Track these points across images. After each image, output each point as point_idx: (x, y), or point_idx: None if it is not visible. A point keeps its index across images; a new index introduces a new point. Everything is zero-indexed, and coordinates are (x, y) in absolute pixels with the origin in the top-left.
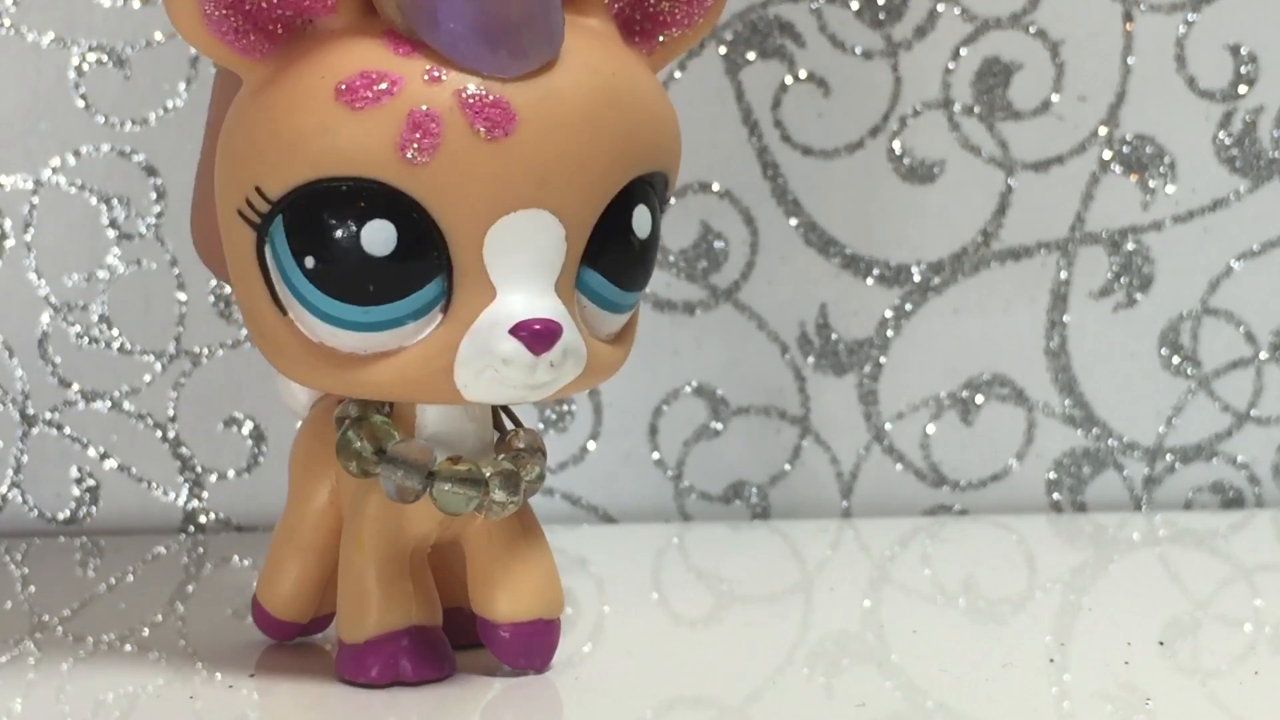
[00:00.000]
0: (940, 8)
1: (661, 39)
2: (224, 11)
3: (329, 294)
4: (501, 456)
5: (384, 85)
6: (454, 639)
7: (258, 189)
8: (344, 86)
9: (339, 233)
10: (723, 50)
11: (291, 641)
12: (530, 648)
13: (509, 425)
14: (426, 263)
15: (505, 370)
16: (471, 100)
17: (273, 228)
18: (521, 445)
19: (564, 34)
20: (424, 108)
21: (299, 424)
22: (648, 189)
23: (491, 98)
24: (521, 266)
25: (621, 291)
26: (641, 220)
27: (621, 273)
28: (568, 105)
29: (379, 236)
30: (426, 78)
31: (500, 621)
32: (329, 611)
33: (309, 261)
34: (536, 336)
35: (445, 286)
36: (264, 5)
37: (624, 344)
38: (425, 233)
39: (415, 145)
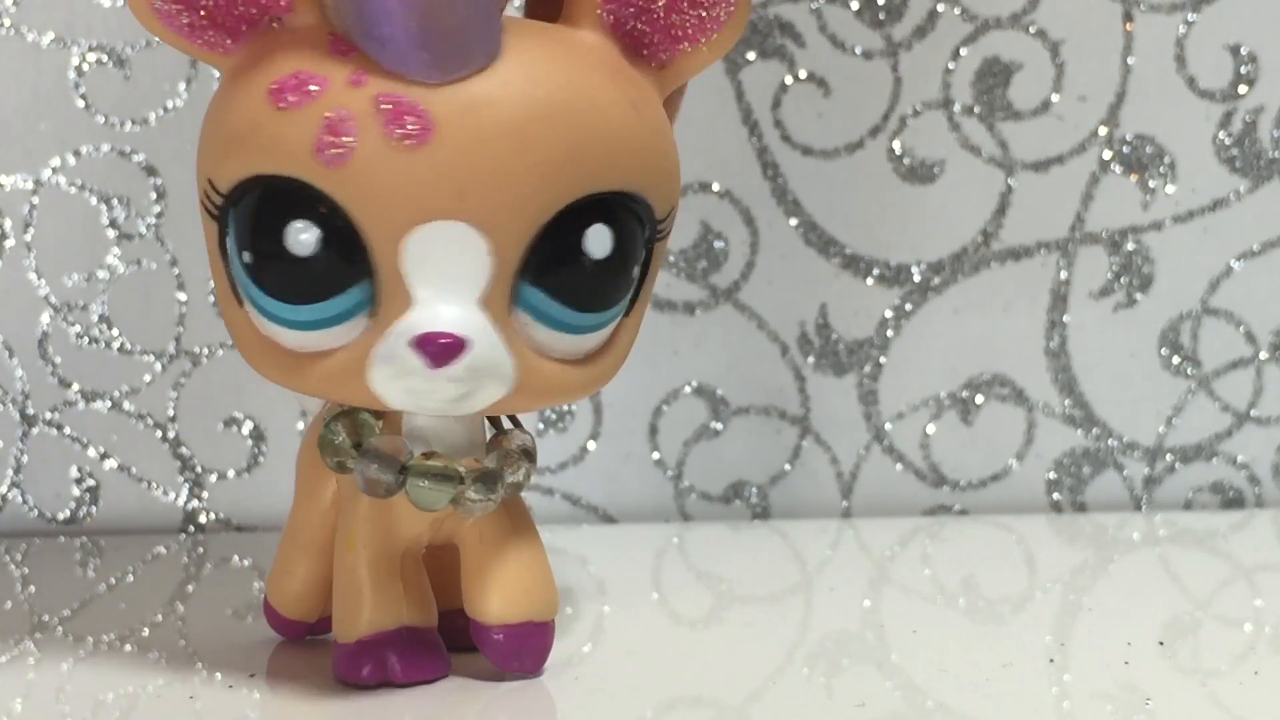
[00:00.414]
0: (940, 8)
1: (672, 54)
2: (175, 8)
3: (263, 290)
4: (491, 454)
5: (311, 87)
6: (452, 641)
7: (210, 182)
8: (275, 86)
9: (267, 230)
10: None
11: (300, 640)
12: (522, 650)
13: (507, 424)
14: (350, 266)
15: (408, 380)
16: (388, 106)
17: (228, 218)
18: (512, 446)
19: (499, 43)
20: (341, 111)
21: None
22: (619, 209)
23: (409, 104)
24: (439, 277)
25: (575, 312)
26: (598, 240)
27: (570, 292)
28: (493, 116)
29: (302, 236)
30: (350, 81)
31: (492, 623)
32: None
33: (246, 256)
34: (438, 351)
35: (370, 292)
36: (220, 3)
37: (596, 365)
38: (347, 237)
39: (330, 148)
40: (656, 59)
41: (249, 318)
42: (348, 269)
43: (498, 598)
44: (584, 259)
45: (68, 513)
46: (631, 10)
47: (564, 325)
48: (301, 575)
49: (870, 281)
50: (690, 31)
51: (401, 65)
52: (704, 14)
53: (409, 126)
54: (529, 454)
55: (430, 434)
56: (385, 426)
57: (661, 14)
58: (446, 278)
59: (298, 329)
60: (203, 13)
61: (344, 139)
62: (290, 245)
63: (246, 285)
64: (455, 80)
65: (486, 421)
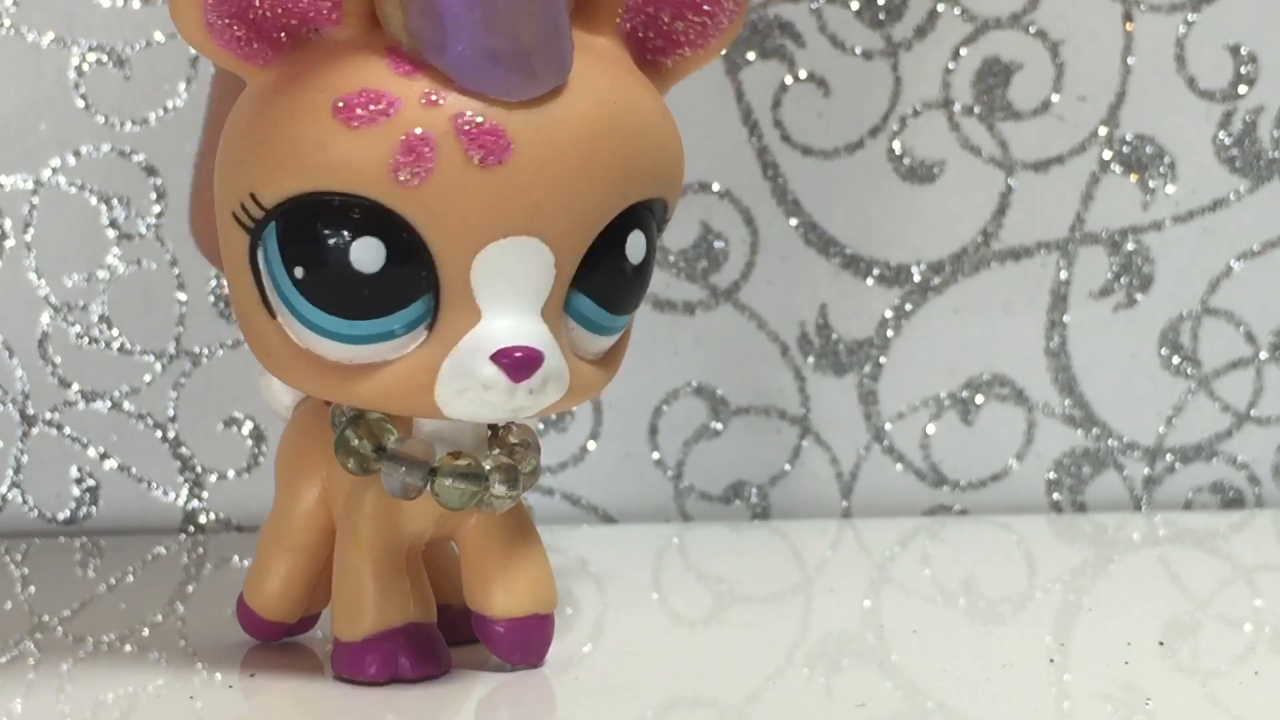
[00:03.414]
0: (940, 8)
1: (673, 60)
2: (227, 20)
3: (316, 305)
4: (498, 451)
5: (381, 105)
6: (445, 635)
7: (252, 195)
8: (342, 103)
9: (329, 246)
10: (723, 50)
11: (278, 642)
12: (526, 643)
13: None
14: (414, 281)
15: (485, 394)
16: (467, 126)
17: (266, 233)
18: (515, 440)
19: (573, 59)
20: (419, 131)
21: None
22: (646, 215)
23: (488, 124)
24: (508, 292)
25: (610, 315)
26: (636, 246)
27: (611, 297)
28: (566, 135)
29: (368, 253)
30: (424, 100)
31: (497, 617)
32: (316, 611)
33: (298, 272)
34: (517, 364)
35: (432, 305)
36: (268, 15)
37: (610, 363)
38: (414, 252)
39: (408, 168)
40: (658, 64)
41: (280, 329)
42: (412, 283)
43: (502, 591)
44: (626, 264)
45: (68, 513)
46: (642, 19)
47: (602, 328)
48: (283, 575)
49: (870, 281)
50: (692, 37)
51: (480, 84)
52: (706, 21)
53: (488, 146)
54: (533, 445)
55: (446, 434)
56: (396, 427)
57: (666, 22)
58: (514, 291)
59: (350, 343)
60: (252, 23)
61: (424, 160)
62: (355, 262)
63: (293, 300)
64: (529, 100)
65: None
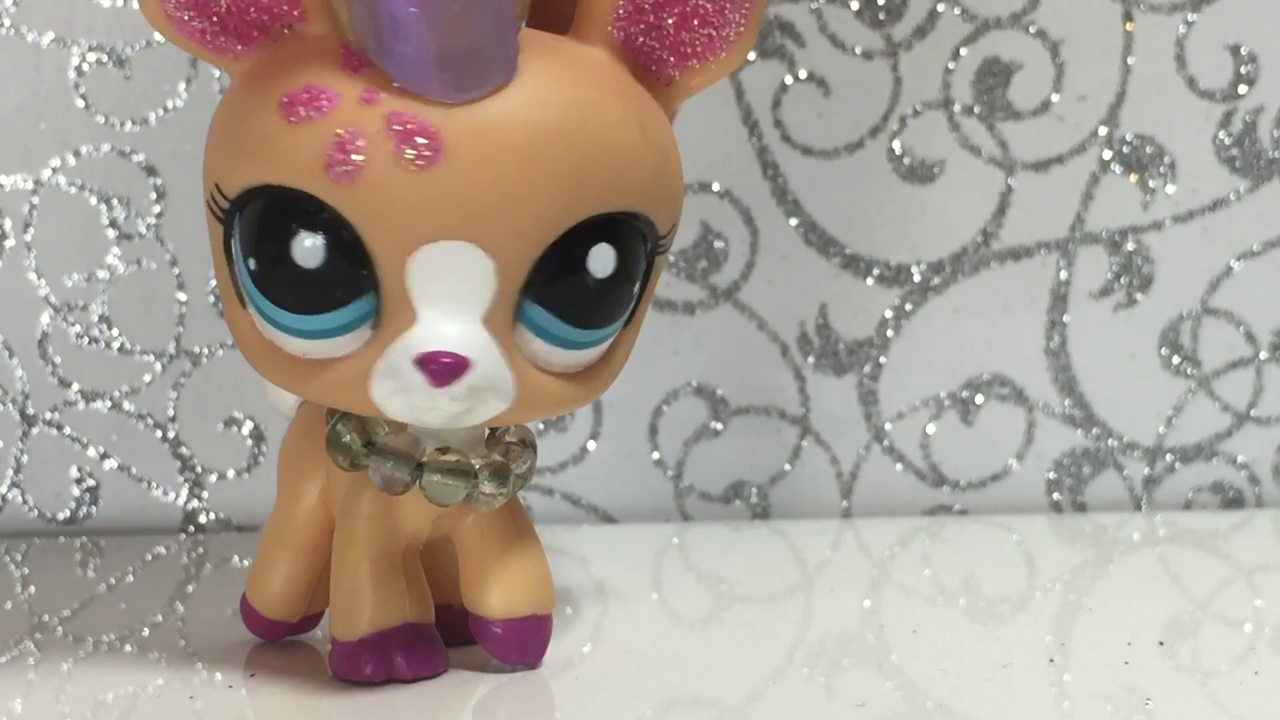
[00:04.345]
0: (940, 8)
1: (681, 71)
2: (188, 15)
3: (267, 297)
4: (493, 450)
5: (320, 102)
6: (443, 636)
7: (217, 185)
8: (286, 99)
9: (275, 240)
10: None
11: (281, 640)
12: (524, 643)
13: None
14: (355, 279)
15: (410, 396)
16: (399, 126)
17: (234, 222)
18: (512, 439)
19: (515, 63)
20: (351, 129)
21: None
22: (623, 228)
23: (420, 125)
24: (444, 295)
25: (574, 328)
26: (602, 259)
27: (573, 310)
28: (503, 138)
29: (308, 248)
30: (362, 99)
31: (494, 617)
32: (318, 610)
33: (251, 263)
34: (442, 370)
35: (375, 304)
36: (231, 10)
37: (592, 380)
38: (354, 251)
39: (339, 166)
40: (665, 75)
41: (252, 320)
42: (353, 282)
43: (499, 592)
44: (587, 277)
45: (68, 513)
46: (642, 27)
47: (564, 341)
48: (285, 574)
49: (870, 281)
50: (700, 49)
51: (417, 84)
52: (714, 33)
53: (420, 147)
54: (529, 444)
55: (442, 431)
56: (390, 423)
57: (671, 32)
58: (451, 296)
59: (301, 337)
60: (215, 18)
61: (354, 157)
62: (296, 256)
63: (251, 291)
64: (469, 101)
65: None
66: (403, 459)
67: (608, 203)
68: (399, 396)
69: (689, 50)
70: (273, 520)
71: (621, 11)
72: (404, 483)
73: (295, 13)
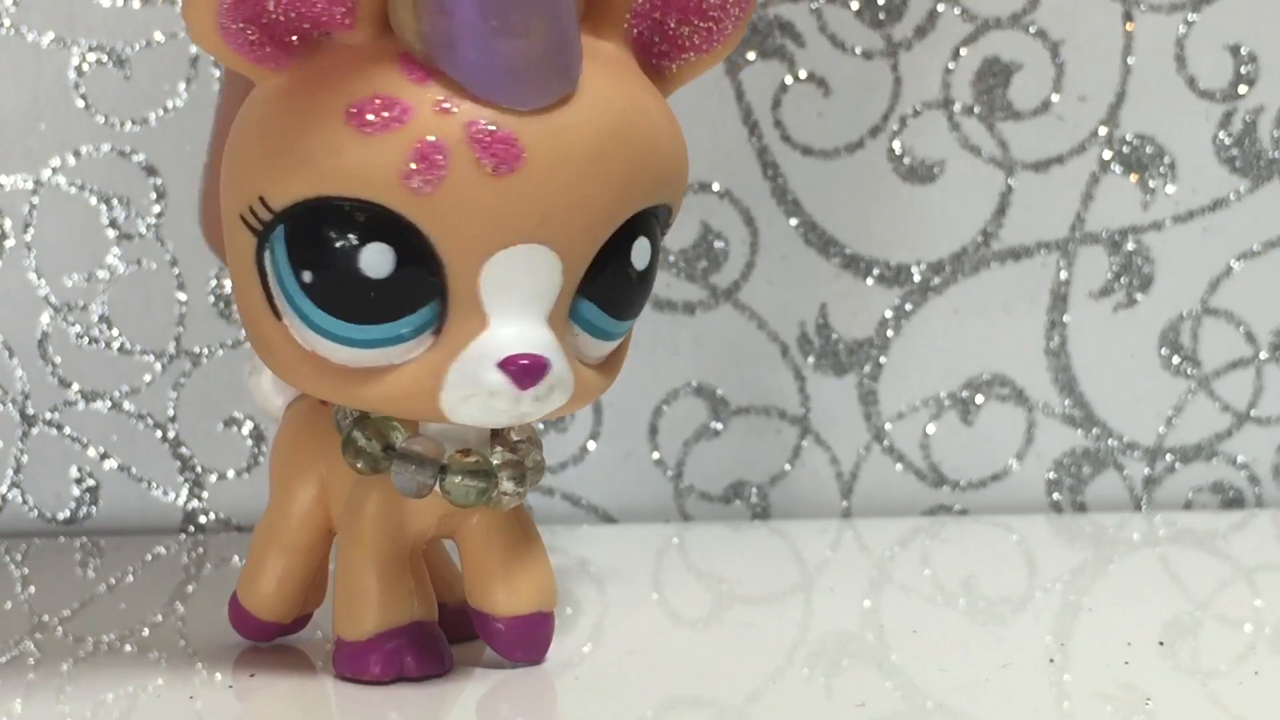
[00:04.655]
0: (940, 8)
1: (678, 64)
2: (241, 25)
3: (323, 309)
4: (501, 448)
5: (394, 112)
6: (446, 634)
7: (261, 198)
8: (354, 110)
9: (338, 251)
10: (726, 55)
11: (272, 641)
12: (528, 641)
13: None
14: (422, 287)
15: (491, 400)
16: (480, 134)
17: (273, 236)
18: (518, 436)
19: (581, 67)
20: (431, 139)
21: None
22: (651, 221)
23: (501, 133)
24: (516, 299)
25: (615, 320)
26: (641, 252)
27: (616, 303)
28: (577, 143)
29: (377, 258)
30: (437, 108)
31: (499, 615)
32: (310, 611)
33: (306, 276)
34: (524, 371)
35: (439, 310)
36: (281, 19)
37: (611, 368)
38: (422, 258)
39: (421, 176)
40: (663, 68)
41: (285, 331)
42: (420, 290)
43: (503, 589)
44: (631, 270)
45: (68, 513)
46: (649, 24)
47: (606, 333)
48: (279, 575)
49: (870, 281)
50: (697, 42)
51: (494, 93)
52: (711, 26)
53: (501, 155)
54: (535, 440)
55: (451, 431)
56: (405, 425)
57: (673, 26)
58: (522, 298)
59: (356, 347)
60: (265, 27)
61: (436, 167)
62: (364, 267)
63: (300, 303)
64: (543, 108)
65: None
66: (426, 463)
67: (652, 198)
68: (474, 400)
69: (688, 44)
70: (266, 520)
71: (637, 7)
72: (429, 486)
73: (347, 21)
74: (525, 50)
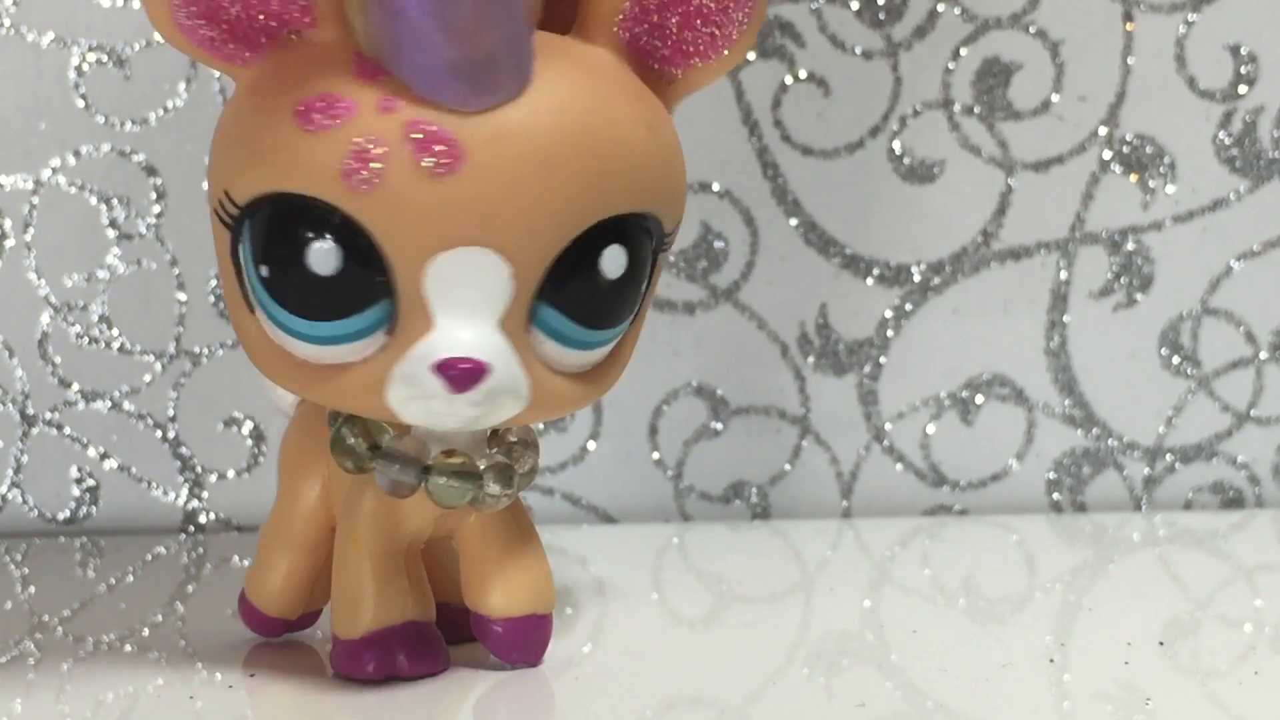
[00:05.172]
0: (940, 8)
1: (683, 70)
2: (196, 21)
3: (279, 303)
4: (495, 450)
5: (336, 110)
6: (443, 634)
7: (227, 192)
8: (301, 107)
9: (289, 247)
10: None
11: (279, 638)
12: (524, 642)
13: None
14: (370, 286)
15: (429, 402)
16: (419, 134)
17: (243, 229)
18: (514, 439)
19: (531, 69)
20: (370, 138)
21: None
22: (633, 229)
23: (440, 133)
24: (461, 301)
25: (586, 329)
26: (613, 261)
27: (585, 311)
28: (522, 145)
29: (324, 256)
30: (379, 107)
31: (495, 616)
32: (317, 608)
33: (264, 270)
34: (461, 375)
35: (390, 310)
36: (241, 16)
37: (599, 380)
38: (370, 257)
39: (359, 174)
40: (667, 74)
41: (260, 325)
42: (368, 288)
43: (500, 591)
44: (599, 279)
45: (68, 513)
46: (645, 27)
47: (576, 342)
48: (284, 572)
49: (870, 281)
50: (702, 48)
51: (436, 93)
52: (716, 31)
53: (439, 155)
54: (531, 444)
55: (441, 432)
56: (395, 426)
57: (675, 31)
58: (468, 301)
59: (314, 343)
60: (225, 26)
61: (372, 165)
62: (311, 263)
63: (261, 297)
64: (487, 108)
65: None
66: (409, 463)
67: (620, 205)
68: (416, 402)
69: (691, 49)
70: (272, 518)
71: (627, 11)
72: (410, 486)
73: (306, 19)
74: (469, 51)
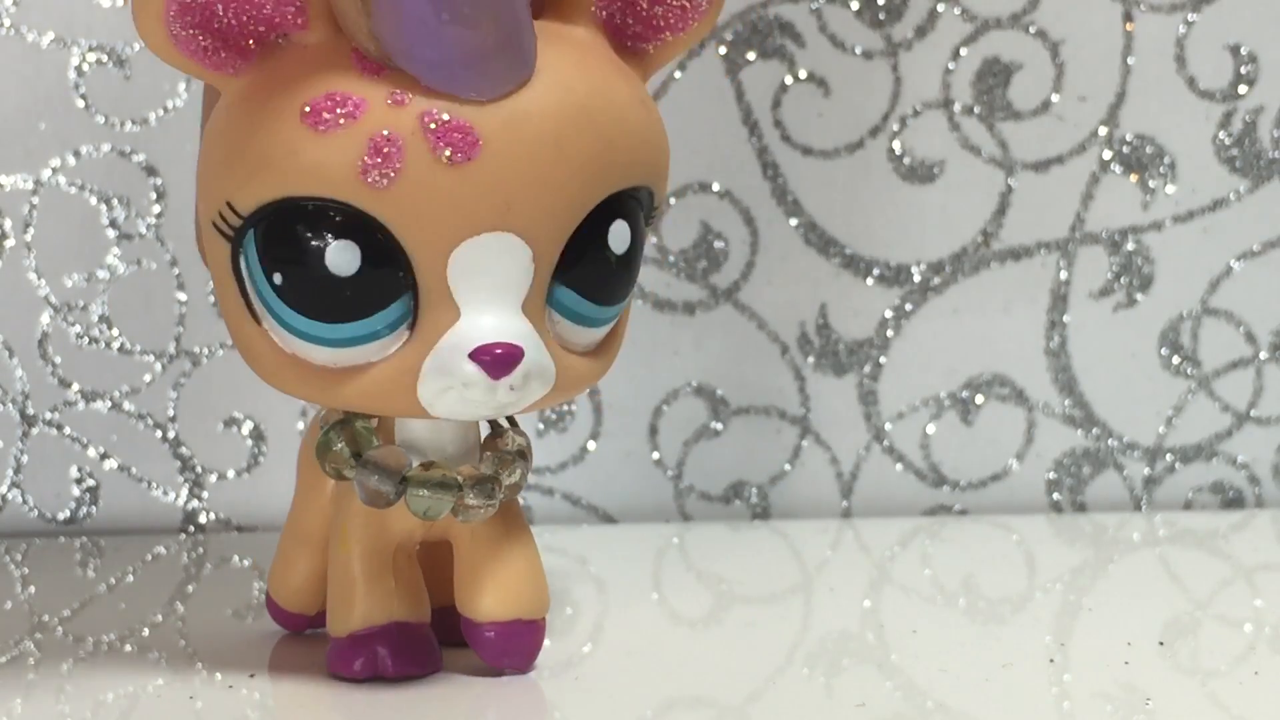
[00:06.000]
0: (940, 8)
1: (654, 45)
2: (191, 31)
3: (296, 310)
4: (483, 459)
5: (347, 108)
6: (447, 637)
7: (229, 204)
8: (309, 108)
9: (305, 251)
10: (723, 50)
11: (301, 633)
12: (511, 647)
13: (503, 423)
14: (391, 282)
15: (466, 392)
16: (434, 125)
17: (246, 240)
18: (509, 449)
19: (536, 54)
20: (385, 132)
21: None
22: (630, 203)
23: (455, 122)
24: (486, 288)
25: (597, 306)
26: (619, 236)
27: (596, 288)
28: (535, 128)
29: (343, 256)
30: (390, 101)
31: (482, 620)
32: None
33: (277, 277)
34: (497, 361)
35: (411, 305)
36: (233, 23)
37: (604, 355)
38: (390, 253)
39: (376, 170)
40: (639, 50)
41: (267, 336)
42: (390, 285)
43: (489, 595)
44: (609, 255)
45: (68, 513)
46: (620, 5)
47: (589, 320)
48: (302, 569)
49: (870, 281)
50: (672, 22)
51: (449, 85)
52: (686, 4)
53: (456, 144)
54: (524, 455)
55: (425, 444)
56: (379, 438)
57: (645, 6)
58: (491, 288)
59: (334, 346)
60: (218, 33)
61: (391, 160)
62: (331, 266)
63: (274, 306)
64: (500, 96)
65: (484, 422)
66: (387, 473)
67: (625, 180)
68: (451, 393)
69: (662, 23)
70: (291, 516)
71: None
72: (387, 496)
73: (299, 21)
74: (478, 40)
